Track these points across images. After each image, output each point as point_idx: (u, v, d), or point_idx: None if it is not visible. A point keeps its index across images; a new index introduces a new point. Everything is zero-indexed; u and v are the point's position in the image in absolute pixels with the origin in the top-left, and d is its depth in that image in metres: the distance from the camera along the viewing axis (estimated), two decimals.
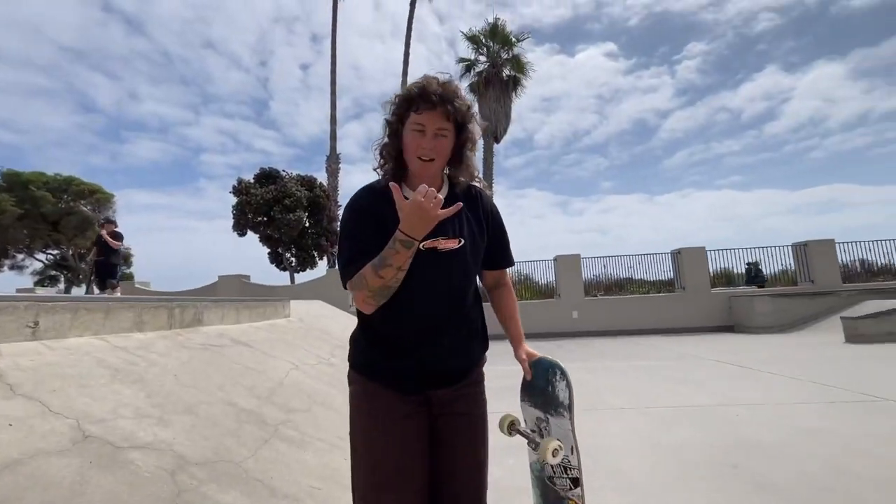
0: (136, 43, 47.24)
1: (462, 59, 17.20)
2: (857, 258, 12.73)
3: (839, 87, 44.88)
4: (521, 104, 22.62)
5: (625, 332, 10.91)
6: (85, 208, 15.59)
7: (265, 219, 12.17)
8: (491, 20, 16.80)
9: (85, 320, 2.49)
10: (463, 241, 1.07)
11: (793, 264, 12.24)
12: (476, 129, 1.08)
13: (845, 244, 12.05)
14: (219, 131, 52.89)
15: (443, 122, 1.01)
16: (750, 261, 12.77)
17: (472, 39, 16.93)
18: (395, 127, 1.07)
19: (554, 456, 1.05)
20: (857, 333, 7.49)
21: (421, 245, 0.98)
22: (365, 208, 1.07)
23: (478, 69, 17.04)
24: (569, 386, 1.17)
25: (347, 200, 1.14)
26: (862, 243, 12.38)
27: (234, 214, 11.58)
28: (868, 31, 43.49)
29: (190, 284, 13.21)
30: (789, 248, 12.26)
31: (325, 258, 13.46)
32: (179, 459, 1.76)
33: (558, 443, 1.07)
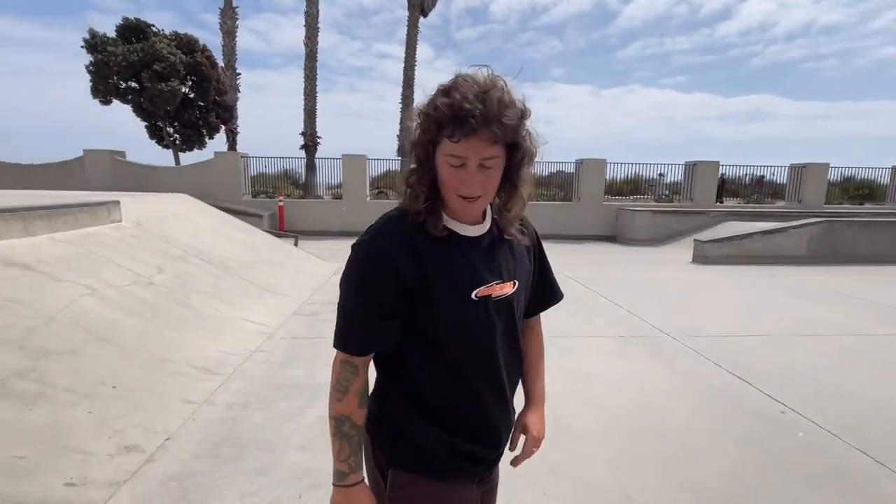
0: None
1: None
2: (738, 175, 13.93)
3: None
4: None
5: None
6: None
7: (137, 85, 10.29)
8: None
9: None
10: (517, 284, 0.88)
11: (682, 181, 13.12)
12: (534, 139, 0.79)
13: (729, 167, 13.05)
14: None
15: (488, 150, 0.73)
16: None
17: None
18: (425, 153, 0.79)
19: None
20: (702, 255, 8.46)
21: (474, 294, 0.81)
22: (384, 259, 0.80)
23: None
24: None
25: (364, 236, 0.83)
26: (747, 167, 13.47)
27: (91, 76, 9.52)
28: None
29: (54, 156, 11.35)
30: (681, 166, 13.00)
31: (214, 137, 12.05)
32: None
33: None
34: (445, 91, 0.73)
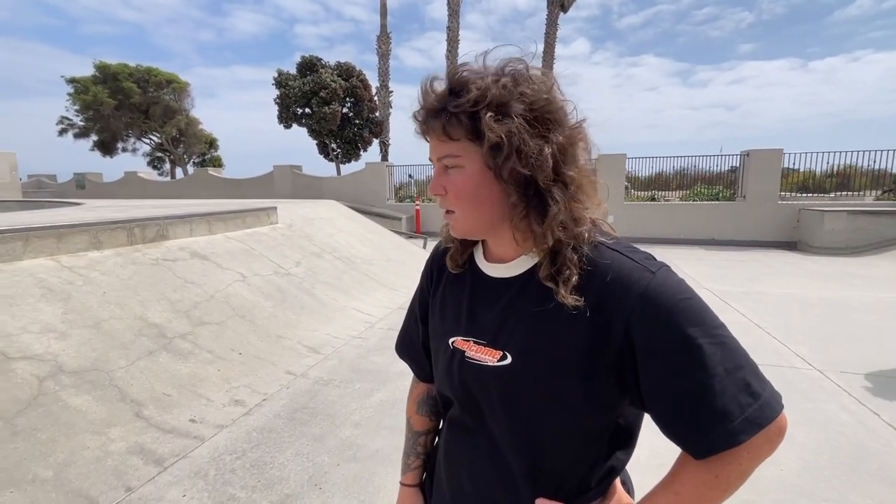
0: None
1: None
2: None
3: None
4: None
5: (663, 242, 10.26)
6: (166, 97, 17.31)
7: (309, 111, 12.50)
8: None
9: (37, 245, 3.17)
10: (509, 358, 0.62)
11: None
12: (520, 130, 0.56)
13: None
14: None
15: (440, 147, 0.62)
16: None
17: None
18: None
19: None
20: None
21: (450, 341, 0.69)
22: (428, 262, 0.82)
23: None
24: None
25: None
26: None
27: (277, 106, 12.07)
28: None
29: (256, 171, 14.51)
30: None
31: (367, 150, 13.81)
32: (56, 368, 2.41)
33: None
34: None
